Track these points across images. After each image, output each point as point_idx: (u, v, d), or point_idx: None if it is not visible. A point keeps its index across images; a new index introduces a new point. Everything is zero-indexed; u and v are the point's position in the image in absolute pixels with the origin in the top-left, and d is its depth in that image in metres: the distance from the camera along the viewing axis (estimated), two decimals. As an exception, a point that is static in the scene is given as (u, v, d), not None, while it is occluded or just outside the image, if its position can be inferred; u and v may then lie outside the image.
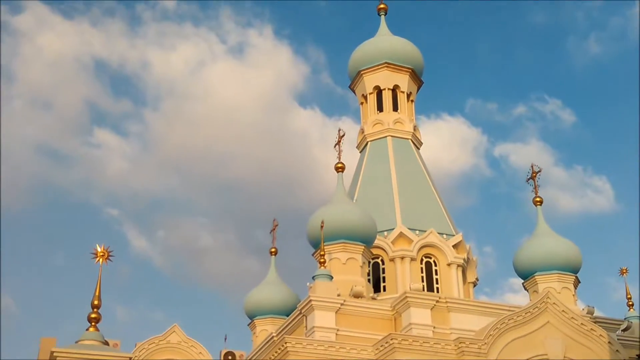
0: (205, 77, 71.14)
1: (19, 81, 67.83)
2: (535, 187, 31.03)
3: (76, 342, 19.71)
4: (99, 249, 20.49)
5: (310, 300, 24.90)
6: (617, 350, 24.69)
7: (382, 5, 38.74)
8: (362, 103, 37.28)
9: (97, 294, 19.93)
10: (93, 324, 19.79)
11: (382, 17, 38.59)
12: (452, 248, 31.38)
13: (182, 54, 71.20)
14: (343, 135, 30.97)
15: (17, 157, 64.85)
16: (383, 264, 30.95)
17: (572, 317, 24.69)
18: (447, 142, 68.16)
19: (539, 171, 31.28)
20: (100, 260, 20.38)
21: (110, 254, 20.55)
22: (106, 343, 20.28)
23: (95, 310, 19.89)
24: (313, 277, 26.08)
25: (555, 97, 74.36)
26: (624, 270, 29.15)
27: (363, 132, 36.13)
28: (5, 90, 64.98)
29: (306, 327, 25.23)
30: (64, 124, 68.35)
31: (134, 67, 71.18)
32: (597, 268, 65.02)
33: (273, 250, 34.22)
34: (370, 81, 36.52)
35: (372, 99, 36.33)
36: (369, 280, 29.44)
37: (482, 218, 72.40)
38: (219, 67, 71.84)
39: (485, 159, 72.35)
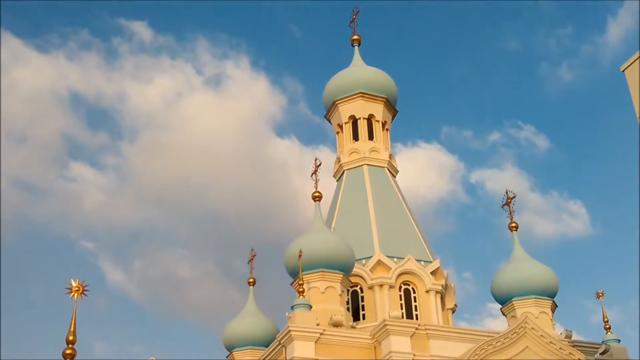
0: (182, 108, 71.35)
1: (-5, 114, 67.18)
2: (510, 213, 31.43)
3: (50, 379, 19.28)
4: (73, 284, 20.16)
5: (290, 331, 24.73)
6: (595, 374, 24.85)
7: (355, 37, 39.34)
8: (337, 132, 37.59)
9: (72, 329, 19.54)
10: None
11: (356, 47, 39.17)
12: (430, 275, 31.48)
13: (159, 86, 71.42)
14: (320, 165, 31.19)
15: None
16: (362, 292, 30.91)
17: (551, 342, 24.85)
18: (424, 169, 68.90)
19: (514, 197, 31.73)
20: (75, 295, 20.01)
21: (85, 288, 20.20)
22: (82, 379, 19.83)
23: (70, 346, 19.47)
24: (292, 307, 25.95)
25: (529, 123, 75.74)
26: (600, 294, 29.42)
27: (339, 161, 36.37)
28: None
29: (286, 357, 25.01)
30: (40, 157, 67.78)
31: (110, 100, 71.11)
32: (574, 292, 65.58)
33: (251, 280, 34.01)
34: (345, 111, 36.91)
35: (348, 128, 36.67)
36: (348, 308, 29.37)
37: (461, 244, 72.91)
38: (197, 98, 72.17)
39: (462, 186, 73.13)
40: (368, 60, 38.72)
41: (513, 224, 31.16)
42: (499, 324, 30.23)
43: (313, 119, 73.30)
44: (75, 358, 19.31)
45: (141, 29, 74.64)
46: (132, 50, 74.52)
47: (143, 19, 76.17)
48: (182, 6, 78.94)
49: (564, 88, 77.10)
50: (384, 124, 37.05)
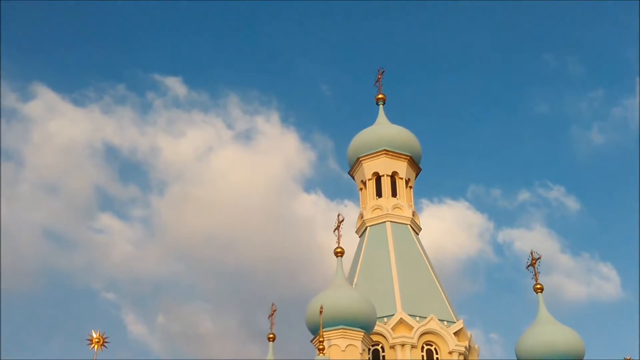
0: (212, 162, 72.22)
1: (28, 166, 68.89)
2: (535, 274, 30.89)
3: None
4: (94, 335, 20.28)
5: (309, 389, 24.35)
6: None
7: (380, 96, 39.96)
8: (361, 189, 37.79)
9: (91, 380, 19.59)
10: (86, 412, 19.36)
11: (381, 106, 39.74)
12: (453, 335, 30.90)
13: (190, 140, 72.56)
14: (342, 220, 31.21)
15: (22, 241, 65.00)
16: (383, 351, 30.40)
17: (578, 409, 24.05)
18: (451, 227, 68.27)
19: (539, 258, 31.24)
20: (96, 346, 20.11)
21: (105, 340, 20.31)
22: None
23: (88, 398, 19.48)
24: (312, 365, 25.61)
25: (559, 184, 75.20)
26: (628, 360, 28.59)
27: (362, 217, 36.41)
28: (14, 175, 65.92)
29: (304, 417, 24.54)
30: (71, 208, 68.82)
31: (143, 153, 72.38)
32: (603, 357, 63.53)
33: (271, 335, 33.65)
34: (369, 167, 37.19)
35: (371, 185, 36.87)
36: (368, 368, 28.86)
37: (488, 304, 71.50)
38: (227, 152, 73.06)
39: (490, 245, 72.24)
40: (395, 119, 39.30)
41: (538, 286, 30.60)
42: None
43: (341, 175, 73.75)
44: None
45: (175, 85, 76.62)
46: (165, 105, 76.34)
47: (177, 75, 78.33)
48: (215, 63, 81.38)
49: (594, 150, 76.79)
50: (407, 182, 37.18)
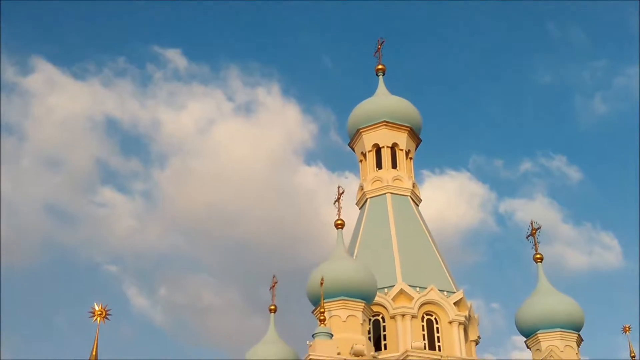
0: (213, 135, 71.95)
1: (29, 140, 68.71)
2: (535, 244, 31.03)
3: (72, 402, 19.44)
4: (96, 308, 20.37)
5: (310, 359, 24.56)
6: (623, 411, 24.22)
7: (380, 67, 39.64)
8: (361, 161, 37.71)
9: (94, 353, 19.74)
10: (90, 383, 19.52)
11: (380, 77, 39.45)
12: (453, 305, 31.11)
13: (191, 112, 72.22)
14: (342, 192, 31.24)
15: (24, 215, 65.13)
16: (384, 321, 30.64)
17: (576, 376, 24.33)
18: (453, 197, 68.23)
19: (539, 228, 31.36)
20: (98, 319, 20.22)
21: (108, 312, 20.40)
22: (102, 403, 19.93)
23: (91, 369, 19.64)
24: (313, 335, 25.80)
25: (561, 154, 75.01)
26: (627, 328, 28.82)
27: (362, 189, 36.41)
28: (15, 149, 65.78)
29: (306, 386, 24.81)
30: (72, 182, 68.78)
31: (144, 127, 72.12)
32: (603, 326, 64.01)
33: (272, 307, 33.92)
34: (369, 139, 37.06)
35: (371, 157, 36.78)
36: (369, 338, 29.09)
37: (490, 274, 71.95)
38: (228, 125, 72.74)
39: (492, 215, 72.32)
40: (395, 90, 39.01)
41: (538, 255, 30.75)
42: (527, 356, 29.79)
43: (342, 147, 73.47)
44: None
45: (175, 57, 75.96)
46: (166, 78, 75.83)
47: (177, 47, 77.65)
48: (215, 35, 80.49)
49: (596, 120, 76.52)
50: (407, 153, 37.09)
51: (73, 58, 78.05)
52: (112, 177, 71.42)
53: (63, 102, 68.40)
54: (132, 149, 73.14)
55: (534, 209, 70.23)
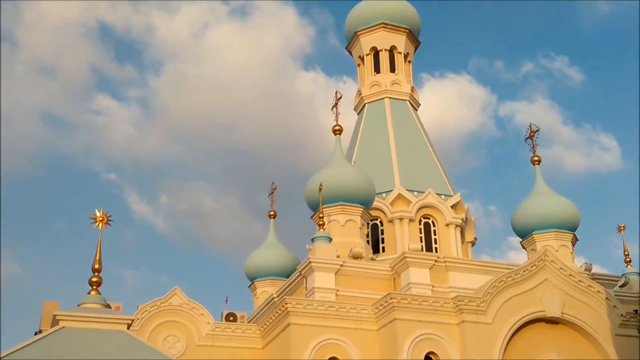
0: (208, 40, 70.26)
1: (22, 47, 67.16)
2: (533, 146, 31.00)
3: (78, 305, 19.87)
4: (97, 214, 20.48)
5: (310, 262, 25.08)
6: (614, 306, 24.98)
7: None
8: (359, 64, 36.95)
9: (97, 258, 19.99)
10: (94, 287, 19.85)
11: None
12: (450, 208, 31.48)
13: (185, 16, 70.13)
14: (340, 98, 30.82)
15: (20, 124, 64.63)
16: (382, 225, 31.09)
17: (570, 274, 24.92)
18: (453, 101, 67.26)
19: (537, 130, 31.23)
20: (100, 225, 20.36)
21: (109, 218, 20.51)
22: (108, 306, 20.38)
23: (96, 274, 19.94)
24: (312, 239, 26.23)
25: (562, 55, 73.55)
26: (622, 227, 29.33)
27: (360, 94, 35.91)
28: (8, 56, 64.31)
29: (306, 288, 25.47)
30: (67, 89, 67.77)
31: (138, 32, 70.28)
32: (599, 226, 65.17)
33: (272, 213, 34.35)
34: (367, 42, 36.17)
35: (369, 60, 36.03)
36: (368, 241, 29.63)
37: (489, 177, 72.47)
38: (223, 29, 70.83)
39: (492, 118, 71.88)
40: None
41: (535, 158, 30.78)
42: (522, 257, 30.40)
43: (341, 51, 71.99)
44: (102, 286, 19.83)
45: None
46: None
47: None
48: None
49: (599, 20, 74.54)
50: (406, 56, 36.32)
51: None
52: (107, 84, 70.52)
53: (55, 7, 66.22)
54: (126, 55, 71.74)
55: (534, 111, 69.81)
